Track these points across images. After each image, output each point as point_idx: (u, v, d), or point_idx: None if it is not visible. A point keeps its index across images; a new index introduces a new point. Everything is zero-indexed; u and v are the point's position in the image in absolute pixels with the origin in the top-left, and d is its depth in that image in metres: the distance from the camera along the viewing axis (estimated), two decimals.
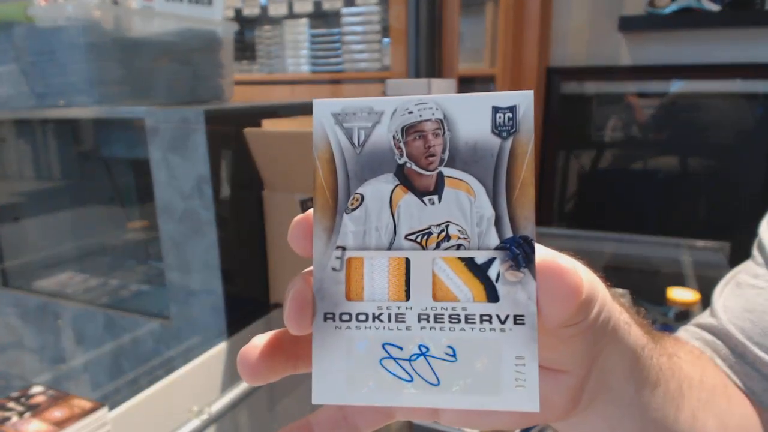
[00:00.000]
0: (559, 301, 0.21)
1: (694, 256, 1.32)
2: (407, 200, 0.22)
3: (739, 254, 0.68)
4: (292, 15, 2.53)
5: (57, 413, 0.65)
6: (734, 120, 1.70)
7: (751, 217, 0.59)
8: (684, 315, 0.95)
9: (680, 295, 0.98)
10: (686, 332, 0.50)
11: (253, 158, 1.03)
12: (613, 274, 0.26)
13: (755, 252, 0.50)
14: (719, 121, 1.72)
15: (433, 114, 0.22)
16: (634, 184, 1.84)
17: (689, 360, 0.41)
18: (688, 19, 1.60)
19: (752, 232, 0.51)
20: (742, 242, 0.70)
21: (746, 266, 0.50)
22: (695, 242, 1.39)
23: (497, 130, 0.21)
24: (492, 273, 0.21)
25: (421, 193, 0.22)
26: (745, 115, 1.69)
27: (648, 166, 1.83)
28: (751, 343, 0.44)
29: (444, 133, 0.22)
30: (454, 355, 0.21)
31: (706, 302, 0.81)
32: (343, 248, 0.22)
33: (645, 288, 1.14)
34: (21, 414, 0.65)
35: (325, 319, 0.22)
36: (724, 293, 0.50)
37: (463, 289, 0.22)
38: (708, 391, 0.39)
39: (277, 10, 2.55)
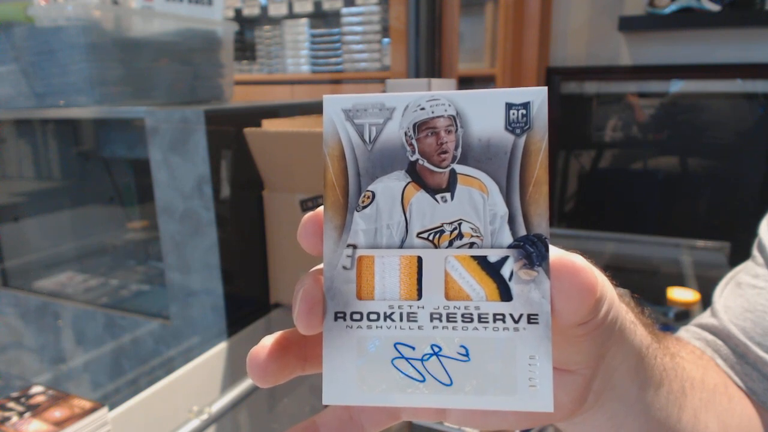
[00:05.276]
0: (574, 300, 0.21)
1: (694, 256, 1.32)
2: (419, 198, 0.22)
3: (739, 254, 0.68)
4: (292, 15, 2.53)
5: (57, 413, 0.65)
6: (734, 120, 1.71)
7: (751, 217, 0.59)
8: (684, 315, 0.95)
9: (680, 295, 0.98)
10: (687, 332, 0.50)
11: (253, 158, 1.03)
12: (613, 274, 0.26)
13: (755, 252, 0.50)
14: (719, 121, 1.72)
15: (445, 110, 0.21)
16: (634, 184, 1.84)
17: (691, 360, 0.41)
18: (688, 19, 1.61)
19: (752, 232, 0.51)
20: (742, 242, 0.70)
21: (746, 266, 0.50)
22: (695, 242, 1.39)
23: (511, 126, 0.21)
24: (505, 271, 0.21)
25: (433, 191, 0.22)
26: (745, 115, 1.69)
27: (648, 166, 1.83)
28: (753, 343, 0.44)
29: (457, 129, 0.21)
30: (466, 355, 0.21)
31: (706, 302, 0.82)
32: (354, 246, 0.22)
33: (645, 288, 1.14)
34: (21, 414, 0.65)
35: (336, 318, 0.22)
36: (724, 293, 0.50)
37: (476, 287, 0.21)
38: (709, 392, 0.39)
39: (277, 10, 2.55)
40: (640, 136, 1.82)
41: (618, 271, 0.27)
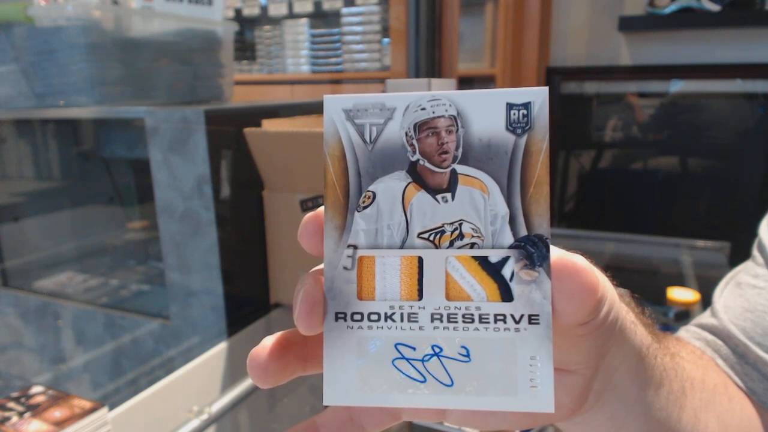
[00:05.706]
0: (576, 300, 0.21)
1: (694, 256, 1.32)
2: (420, 198, 0.21)
3: (739, 254, 0.68)
4: (292, 15, 2.53)
5: (57, 413, 0.65)
6: (734, 120, 1.71)
7: (751, 217, 0.59)
8: (684, 315, 0.95)
9: (680, 295, 0.99)
10: (687, 332, 0.50)
11: (253, 158, 1.03)
12: (613, 274, 0.26)
13: (755, 252, 0.50)
14: (719, 121, 1.72)
15: (446, 110, 0.21)
16: (634, 184, 1.84)
17: (691, 360, 0.41)
18: (688, 19, 1.61)
19: (752, 232, 0.51)
20: (742, 242, 0.71)
21: (746, 266, 0.50)
22: (695, 242, 1.39)
23: (511, 127, 0.21)
24: (506, 272, 0.21)
25: (434, 191, 0.22)
26: (745, 115, 1.69)
27: (648, 166, 1.83)
28: (753, 343, 0.44)
29: (457, 129, 0.21)
30: (467, 356, 0.21)
31: (706, 302, 0.82)
32: (355, 247, 0.22)
33: (645, 288, 1.14)
34: (21, 414, 0.65)
35: (337, 318, 0.22)
36: (724, 293, 0.50)
37: (477, 288, 0.21)
38: (709, 392, 0.39)
39: (277, 10, 2.55)
40: (640, 136, 1.82)
41: (618, 271, 0.27)
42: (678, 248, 1.38)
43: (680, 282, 1.08)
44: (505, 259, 0.21)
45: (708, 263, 1.30)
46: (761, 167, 1.68)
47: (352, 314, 0.22)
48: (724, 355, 0.46)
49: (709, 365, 0.44)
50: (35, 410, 0.65)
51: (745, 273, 0.49)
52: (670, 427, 0.32)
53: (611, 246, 1.48)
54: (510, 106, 0.21)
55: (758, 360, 0.44)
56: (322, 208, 0.22)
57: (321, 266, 0.23)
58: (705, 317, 0.50)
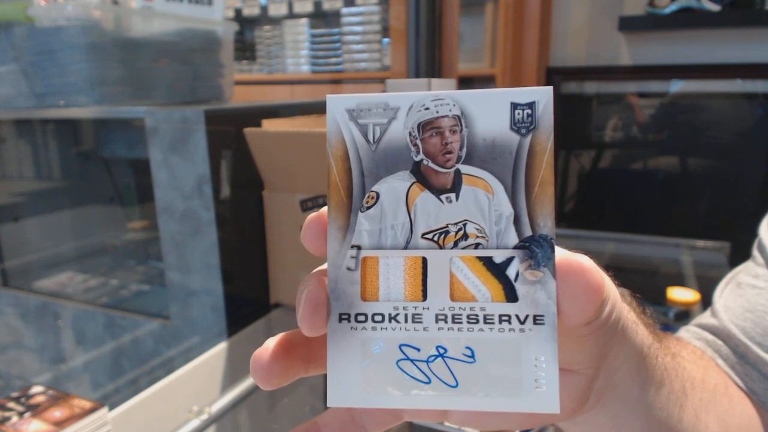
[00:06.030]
0: (581, 301, 0.21)
1: (694, 256, 1.32)
2: (424, 198, 0.21)
3: (739, 254, 0.68)
4: (292, 15, 2.54)
5: (57, 413, 0.65)
6: (734, 120, 1.71)
7: (751, 217, 0.60)
8: (684, 315, 0.95)
9: (680, 295, 0.99)
10: (687, 332, 0.50)
11: (253, 158, 1.03)
12: (613, 274, 0.26)
13: (755, 252, 0.50)
14: (719, 121, 1.72)
15: (450, 110, 0.21)
16: (634, 184, 1.84)
17: (692, 360, 0.41)
18: (688, 19, 1.61)
19: (752, 232, 0.52)
20: (742, 242, 0.71)
21: (746, 266, 0.50)
22: (695, 242, 1.39)
23: (516, 126, 0.21)
24: (511, 272, 0.21)
25: (438, 191, 0.21)
26: (745, 115, 1.69)
27: (648, 166, 1.83)
28: (753, 343, 0.44)
29: (461, 129, 0.21)
30: (472, 356, 0.21)
31: (706, 302, 0.82)
32: (359, 247, 0.21)
33: (645, 288, 1.14)
34: (21, 414, 0.65)
35: (340, 320, 0.21)
36: (724, 293, 0.50)
37: (482, 288, 0.21)
38: (710, 391, 0.39)
39: (277, 10, 2.55)
40: (640, 136, 1.82)
41: (618, 271, 0.27)
42: (678, 248, 1.38)
43: (680, 282, 1.09)
44: (509, 260, 0.21)
45: (708, 263, 1.30)
46: (761, 167, 1.69)
47: (356, 315, 0.21)
48: (724, 355, 0.46)
49: (709, 365, 0.45)
50: (35, 410, 0.65)
51: (745, 273, 0.50)
52: (670, 426, 0.32)
53: (611, 246, 1.48)
54: (514, 106, 0.21)
55: (758, 360, 0.44)
56: (325, 209, 0.22)
57: (324, 267, 0.22)
58: (705, 317, 0.50)
